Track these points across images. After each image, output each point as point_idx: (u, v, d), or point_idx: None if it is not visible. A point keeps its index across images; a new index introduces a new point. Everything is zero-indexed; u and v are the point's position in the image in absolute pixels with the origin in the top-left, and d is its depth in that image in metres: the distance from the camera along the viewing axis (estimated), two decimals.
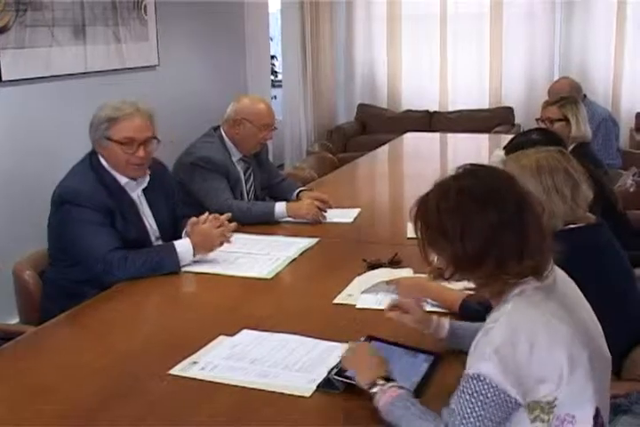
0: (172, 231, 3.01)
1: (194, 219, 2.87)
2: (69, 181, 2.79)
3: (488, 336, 1.56)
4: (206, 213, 2.89)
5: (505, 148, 3.42)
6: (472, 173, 1.66)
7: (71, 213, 2.70)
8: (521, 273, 1.61)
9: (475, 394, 1.53)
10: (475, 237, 1.58)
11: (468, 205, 1.60)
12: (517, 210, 1.60)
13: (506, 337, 1.54)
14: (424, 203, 1.66)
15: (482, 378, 1.53)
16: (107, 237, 2.70)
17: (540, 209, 1.67)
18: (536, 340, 1.54)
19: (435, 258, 1.67)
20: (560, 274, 1.73)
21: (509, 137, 6.09)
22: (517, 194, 1.63)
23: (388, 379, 1.72)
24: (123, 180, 2.85)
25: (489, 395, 1.53)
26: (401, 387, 1.70)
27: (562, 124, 4.00)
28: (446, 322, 2.01)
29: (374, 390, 1.71)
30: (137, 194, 2.92)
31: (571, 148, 3.85)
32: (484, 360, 1.54)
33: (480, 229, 1.58)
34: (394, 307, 2.05)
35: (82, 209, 2.69)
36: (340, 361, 1.88)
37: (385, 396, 1.68)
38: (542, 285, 1.64)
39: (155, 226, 2.97)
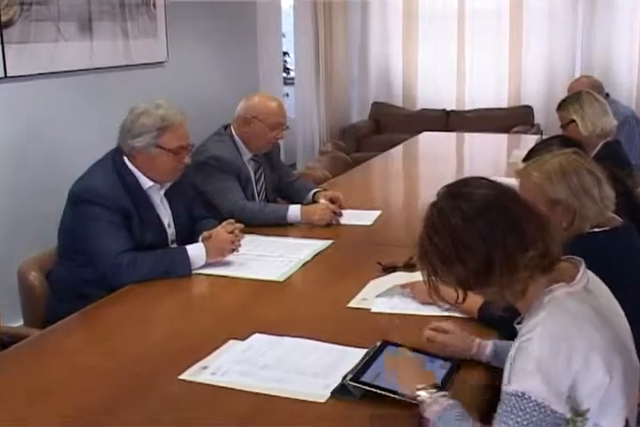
0: (188, 234, 3.03)
1: (205, 233, 2.89)
2: (89, 180, 2.82)
3: (527, 349, 1.55)
4: (221, 225, 2.92)
5: (525, 159, 3.36)
6: (447, 194, 1.69)
7: (88, 211, 2.73)
8: (532, 263, 1.61)
9: (520, 413, 1.51)
10: (473, 252, 1.60)
11: (452, 226, 1.62)
12: (500, 207, 1.63)
13: (545, 349, 1.53)
14: (419, 242, 1.69)
15: (526, 396, 1.52)
16: (120, 239, 2.73)
17: (522, 200, 1.69)
18: (573, 349, 1.53)
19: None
20: (593, 279, 1.73)
21: (528, 137, 6.17)
22: (492, 193, 1.66)
23: (438, 388, 1.73)
24: (147, 184, 2.88)
25: (535, 413, 1.51)
26: (451, 398, 1.70)
27: (573, 126, 3.91)
28: (489, 343, 2.01)
29: (423, 397, 1.71)
30: (159, 197, 2.96)
31: (597, 148, 3.82)
32: (526, 376, 1.53)
33: (473, 242, 1.60)
34: (432, 328, 2.05)
35: (99, 209, 2.73)
36: (357, 366, 1.89)
37: (436, 405, 1.68)
38: (574, 290, 1.64)
39: (173, 228, 3.00)
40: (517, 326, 1.70)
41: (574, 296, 1.63)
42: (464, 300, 1.69)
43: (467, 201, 1.64)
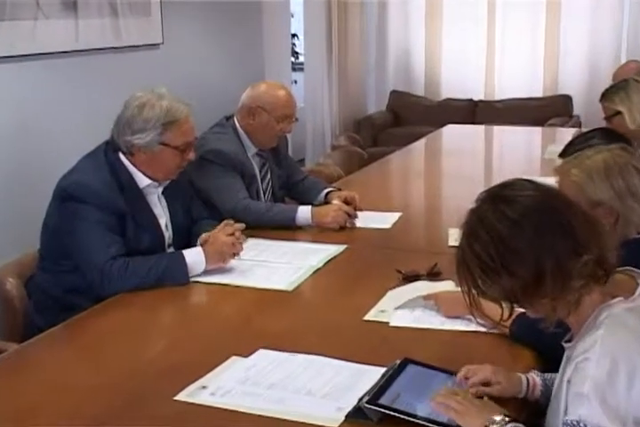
0: (186, 236, 3.05)
1: (204, 235, 2.90)
2: (78, 175, 2.82)
3: (584, 371, 1.55)
4: (219, 226, 2.93)
5: (562, 154, 3.36)
6: (488, 198, 1.69)
7: (76, 210, 2.74)
8: (586, 271, 1.61)
9: None
10: (520, 260, 1.60)
11: (497, 232, 1.62)
12: (548, 209, 1.64)
13: (603, 370, 1.53)
14: (458, 252, 1.68)
15: (581, 425, 1.52)
16: (112, 242, 2.74)
17: (571, 202, 1.69)
18: (635, 370, 1.53)
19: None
20: None
21: (566, 131, 6.16)
22: (538, 194, 1.67)
23: (508, 416, 1.72)
24: (143, 182, 2.90)
25: None
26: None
27: (619, 118, 3.87)
28: (537, 381, 1.98)
29: None
30: (157, 195, 2.97)
31: None
32: (582, 401, 1.53)
33: (520, 249, 1.60)
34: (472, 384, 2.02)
35: (89, 208, 2.73)
36: (374, 387, 1.89)
37: None
38: (634, 305, 1.64)
39: (170, 231, 3.02)
40: (566, 345, 1.69)
41: (635, 312, 1.63)
42: (510, 316, 1.69)
43: (510, 204, 1.64)
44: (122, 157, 2.87)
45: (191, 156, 2.93)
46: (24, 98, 4.49)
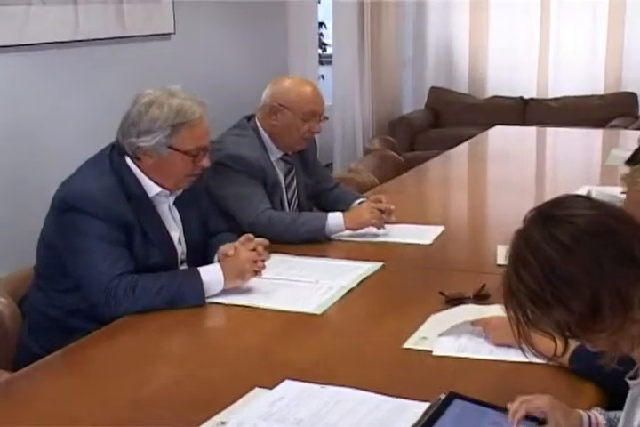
0: (202, 252, 3.06)
1: (226, 247, 2.91)
2: (79, 183, 2.84)
3: None
4: (239, 240, 2.95)
5: (630, 160, 3.33)
6: (538, 218, 1.67)
7: (77, 223, 2.75)
8: None
9: None
10: (575, 290, 1.59)
11: (546, 258, 1.61)
12: (606, 232, 1.62)
13: None
14: (505, 279, 1.67)
15: None
16: (117, 258, 2.74)
17: (633, 221, 1.67)
18: None
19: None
20: None
21: (630, 133, 6.11)
22: (594, 214, 1.65)
23: None
24: (153, 190, 2.90)
25: None
26: None
27: None
28: (599, 416, 1.96)
29: None
30: (168, 205, 2.99)
31: None
32: None
33: (575, 278, 1.59)
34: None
35: (91, 220, 2.74)
36: (417, 424, 1.88)
37: None
38: None
39: (183, 245, 3.03)
40: (632, 382, 1.68)
41: None
42: (565, 351, 1.68)
43: (562, 226, 1.63)
44: (129, 161, 2.88)
45: (205, 162, 2.92)
46: (16, 95, 4.49)
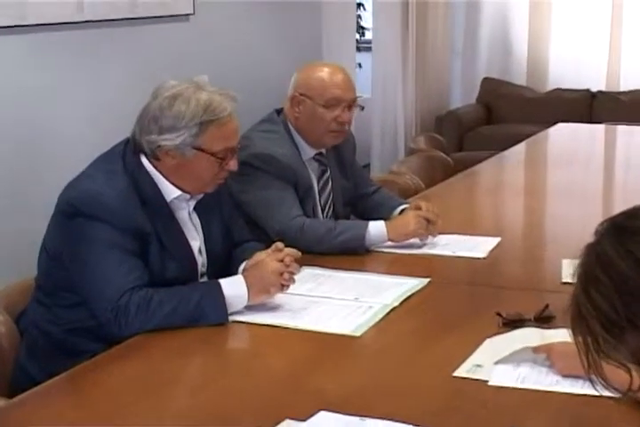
0: (224, 264, 3.07)
1: (260, 255, 2.92)
2: (88, 185, 2.84)
3: None
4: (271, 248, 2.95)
5: None
6: (611, 231, 1.66)
7: (85, 229, 2.76)
8: None
9: None
10: None
11: (622, 276, 1.59)
12: None
13: None
14: (573, 300, 1.66)
15: None
16: (130, 270, 2.75)
17: None
18: None
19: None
20: None
21: None
22: None
23: None
24: (171, 193, 2.91)
25: None
26: None
27: None
28: None
29: None
30: (188, 211, 3.00)
31: None
32: None
33: None
34: None
35: (101, 226, 2.75)
36: None
37: None
38: None
39: (204, 256, 3.04)
40: None
41: None
42: None
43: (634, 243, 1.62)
44: (144, 161, 2.89)
45: (232, 165, 2.93)
46: (13, 83, 4.47)
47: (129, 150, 2.91)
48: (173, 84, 2.87)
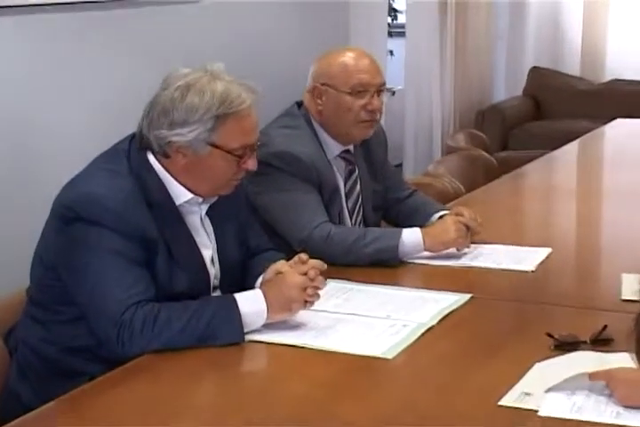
0: (240, 275, 3.09)
1: (280, 264, 2.92)
2: (88, 186, 2.84)
3: None
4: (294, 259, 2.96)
5: None
6: None
7: (84, 236, 2.77)
8: None
9: None
10: None
11: None
12: None
13: None
14: (637, 323, 1.67)
15: None
16: (133, 281, 2.75)
17: None
18: None
19: None
20: None
21: None
22: None
23: None
24: (181, 196, 2.93)
25: None
26: None
27: None
28: None
29: None
30: (200, 216, 3.01)
31: None
32: None
33: None
34: None
35: (103, 232, 2.75)
36: None
37: None
38: None
39: (217, 267, 3.05)
40: None
41: None
42: None
43: None
44: (151, 159, 2.90)
45: (251, 164, 2.93)
46: (7, 66, 4.50)
47: (134, 147, 2.92)
48: (186, 73, 2.88)
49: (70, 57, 4.79)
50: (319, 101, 3.68)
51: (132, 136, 2.95)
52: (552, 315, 3.04)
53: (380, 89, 3.67)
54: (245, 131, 2.89)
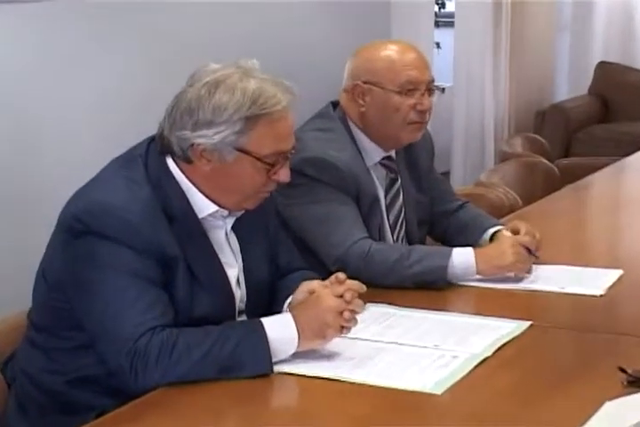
0: (268, 298, 3.10)
1: (313, 283, 2.94)
2: (99, 195, 2.84)
3: None
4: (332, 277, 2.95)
5: None
6: None
7: (94, 251, 2.77)
8: None
9: None
10: None
11: None
12: None
13: None
14: None
15: None
16: (150, 304, 2.75)
17: None
18: None
19: None
20: None
21: None
22: None
23: None
24: (205, 209, 2.93)
25: None
26: None
27: None
28: None
29: None
30: (225, 231, 3.02)
31: None
32: None
33: None
34: None
35: (117, 248, 2.76)
36: None
37: None
38: None
39: (244, 289, 3.06)
40: None
41: None
42: None
43: None
44: (171, 165, 2.91)
45: (283, 175, 2.92)
46: (7, 58, 4.54)
47: (152, 152, 2.92)
48: (215, 69, 2.88)
49: (76, 48, 4.83)
50: (361, 102, 3.68)
51: (150, 140, 2.96)
52: (624, 346, 3.03)
53: (429, 87, 3.68)
54: (279, 136, 2.88)
